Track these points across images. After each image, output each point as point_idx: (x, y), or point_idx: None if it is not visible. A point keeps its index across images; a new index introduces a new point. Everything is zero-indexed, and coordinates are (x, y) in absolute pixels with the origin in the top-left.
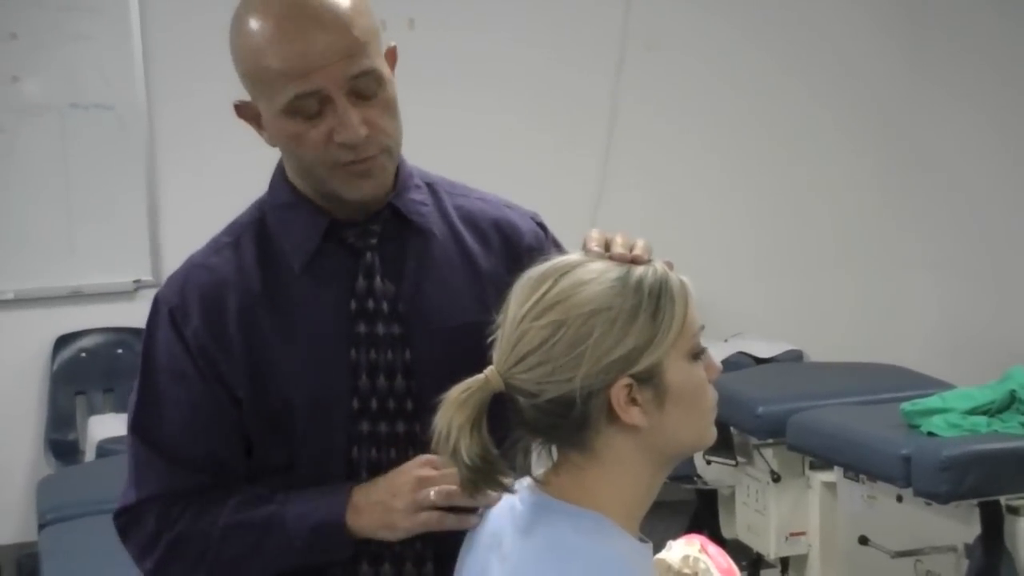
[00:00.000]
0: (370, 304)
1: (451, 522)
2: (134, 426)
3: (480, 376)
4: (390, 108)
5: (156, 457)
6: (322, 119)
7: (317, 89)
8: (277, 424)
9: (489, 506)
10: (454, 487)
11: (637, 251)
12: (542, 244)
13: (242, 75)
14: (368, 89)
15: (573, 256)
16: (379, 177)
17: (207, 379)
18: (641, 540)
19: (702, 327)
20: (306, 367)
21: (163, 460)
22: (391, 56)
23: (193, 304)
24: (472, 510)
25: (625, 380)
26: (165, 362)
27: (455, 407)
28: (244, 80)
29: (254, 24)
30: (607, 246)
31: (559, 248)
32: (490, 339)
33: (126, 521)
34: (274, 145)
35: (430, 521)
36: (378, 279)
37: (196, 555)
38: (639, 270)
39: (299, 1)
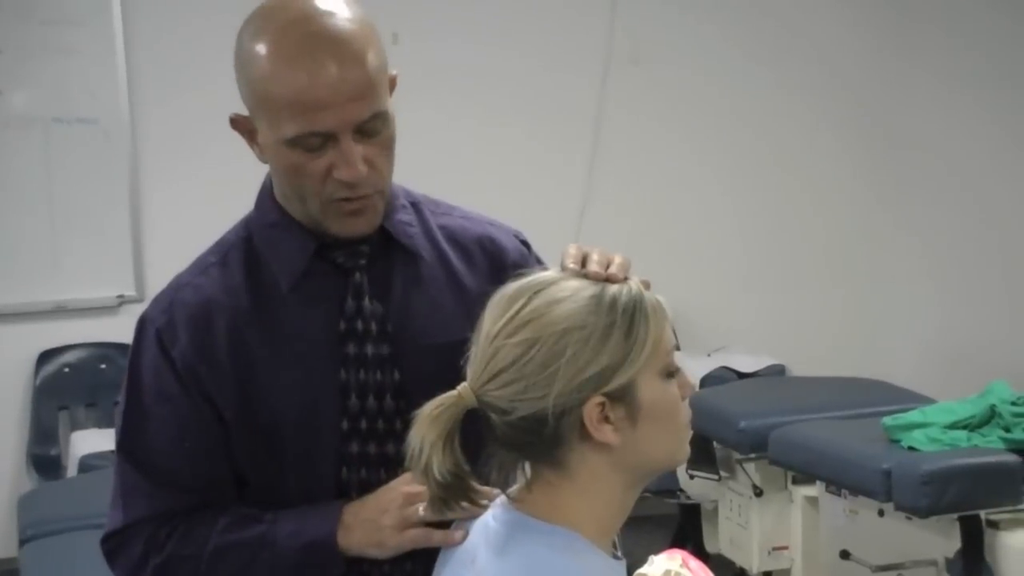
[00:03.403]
0: (359, 325)
1: (437, 538)
2: (121, 447)
3: (453, 392)
4: (388, 147)
5: (143, 479)
6: (324, 153)
7: (324, 131)
8: (266, 445)
9: (473, 519)
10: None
11: (613, 268)
12: (526, 260)
13: (245, 94)
14: (374, 129)
15: (548, 273)
16: (370, 216)
17: (194, 399)
18: (615, 557)
19: (676, 346)
20: (296, 388)
21: (150, 482)
22: (392, 84)
23: (181, 324)
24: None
25: (598, 398)
26: (151, 382)
27: (427, 423)
28: (246, 99)
29: (264, 47)
30: (584, 262)
31: (542, 266)
32: (464, 356)
33: (114, 545)
34: (266, 163)
35: (418, 538)
36: (367, 300)
37: None
38: (613, 288)
39: (315, 31)
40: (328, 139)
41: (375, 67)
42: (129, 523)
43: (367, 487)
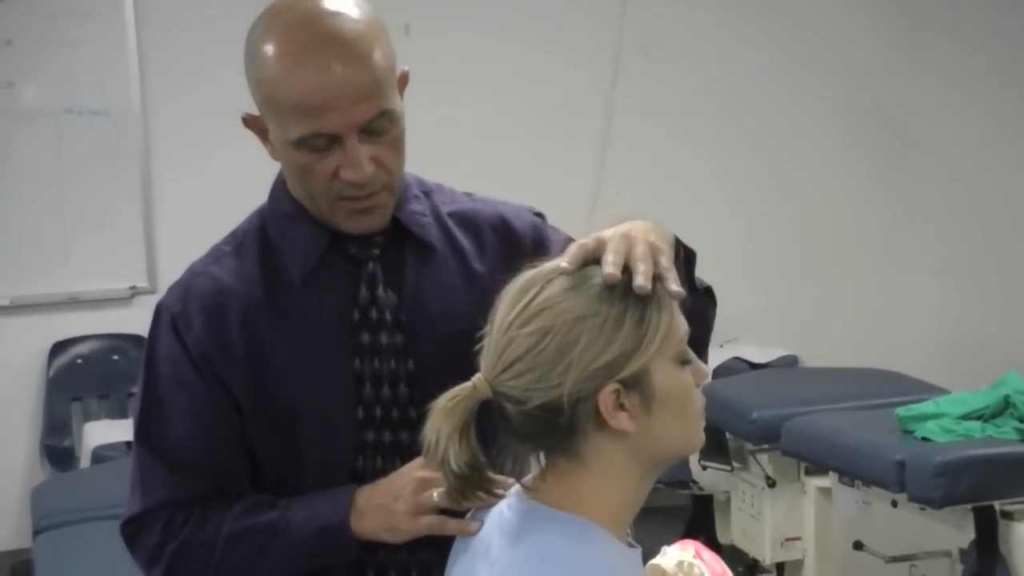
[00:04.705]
0: (373, 314)
1: (452, 527)
2: (139, 434)
3: (467, 384)
4: (398, 144)
5: (161, 465)
6: (330, 153)
7: (330, 132)
8: (281, 433)
9: (488, 509)
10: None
11: (639, 278)
12: (541, 235)
13: (254, 93)
14: (380, 128)
15: (559, 260)
16: (379, 214)
17: (209, 385)
18: (630, 545)
19: (688, 332)
20: (310, 377)
21: (168, 468)
22: (403, 81)
23: (195, 312)
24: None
25: (612, 386)
26: (167, 370)
27: (443, 415)
28: (255, 99)
29: (272, 49)
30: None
31: (557, 233)
32: (478, 347)
33: (133, 531)
34: (278, 160)
35: (432, 525)
36: (381, 289)
37: (201, 563)
38: (625, 276)
39: (319, 33)
40: (334, 140)
41: (381, 67)
42: (147, 508)
43: (382, 475)
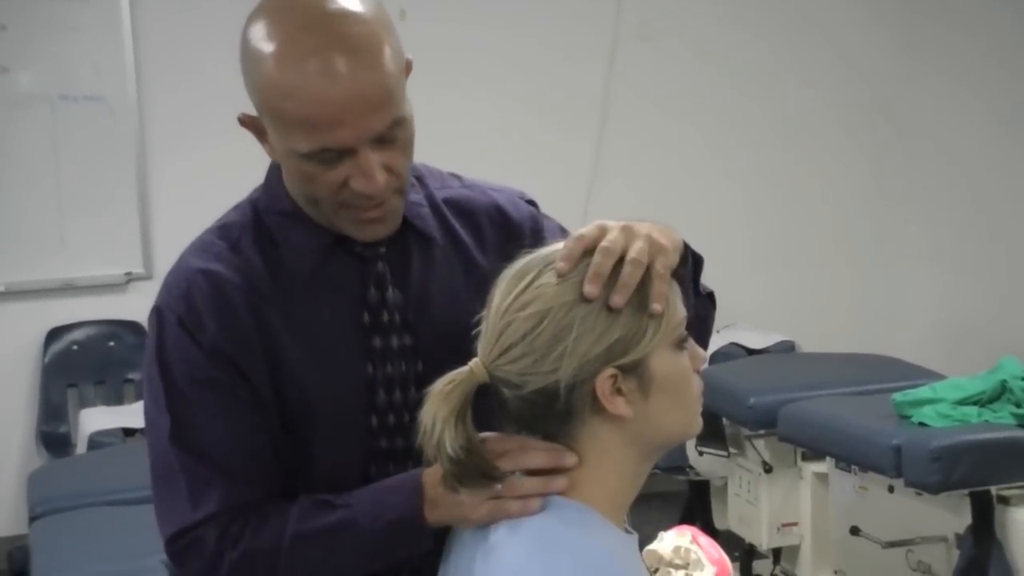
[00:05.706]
0: (384, 317)
1: (516, 509)
2: (175, 440)
3: (464, 368)
4: (408, 148)
5: (208, 469)
6: (340, 163)
7: (341, 147)
8: (293, 436)
9: (556, 492)
10: (519, 476)
11: (624, 276)
12: (538, 225)
13: (253, 98)
14: (393, 136)
15: (557, 246)
16: (391, 221)
17: (232, 380)
18: (626, 531)
19: (686, 316)
20: (323, 381)
21: (215, 470)
22: (407, 71)
23: (205, 311)
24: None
25: (610, 371)
26: (188, 370)
27: (439, 400)
28: (254, 103)
29: (272, 55)
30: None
31: (551, 221)
32: (475, 331)
33: (183, 546)
34: (277, 160)
35: (494, 511)
36: (390, 290)
37: (265, 571)
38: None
39: (326, 43)
40: (344, 152)
41: (392, 71)
42: (200, 519)
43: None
